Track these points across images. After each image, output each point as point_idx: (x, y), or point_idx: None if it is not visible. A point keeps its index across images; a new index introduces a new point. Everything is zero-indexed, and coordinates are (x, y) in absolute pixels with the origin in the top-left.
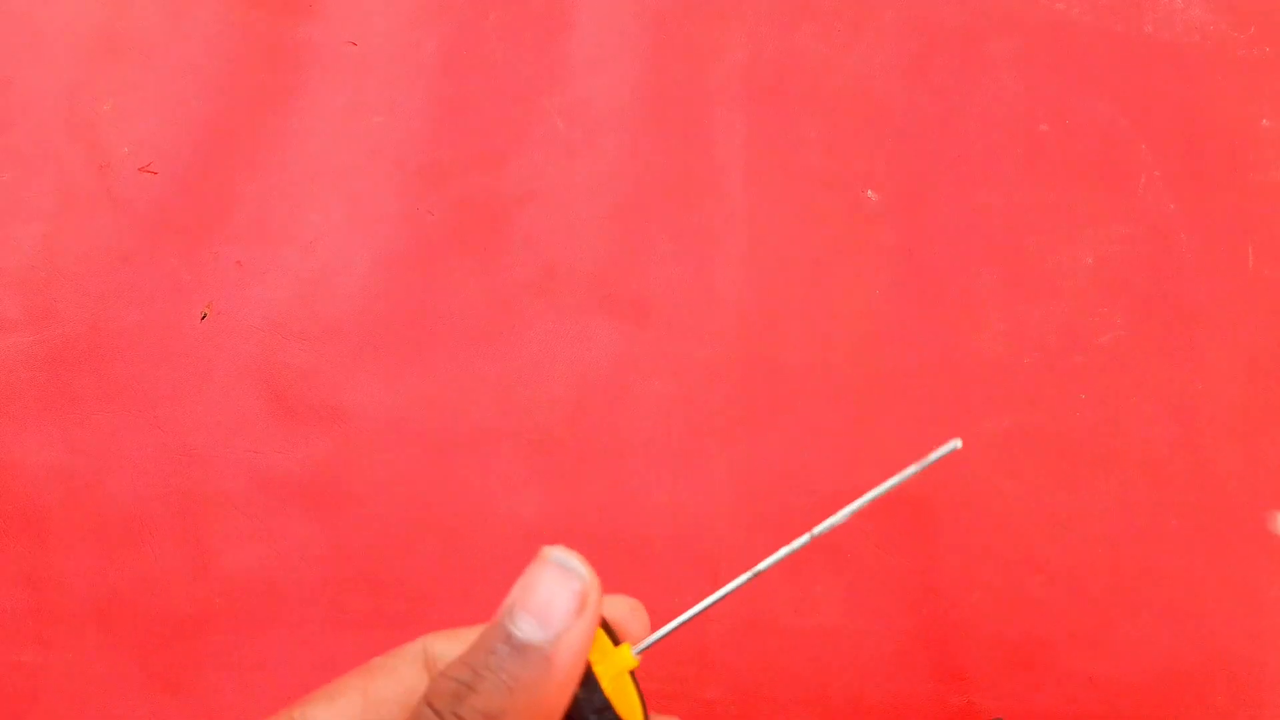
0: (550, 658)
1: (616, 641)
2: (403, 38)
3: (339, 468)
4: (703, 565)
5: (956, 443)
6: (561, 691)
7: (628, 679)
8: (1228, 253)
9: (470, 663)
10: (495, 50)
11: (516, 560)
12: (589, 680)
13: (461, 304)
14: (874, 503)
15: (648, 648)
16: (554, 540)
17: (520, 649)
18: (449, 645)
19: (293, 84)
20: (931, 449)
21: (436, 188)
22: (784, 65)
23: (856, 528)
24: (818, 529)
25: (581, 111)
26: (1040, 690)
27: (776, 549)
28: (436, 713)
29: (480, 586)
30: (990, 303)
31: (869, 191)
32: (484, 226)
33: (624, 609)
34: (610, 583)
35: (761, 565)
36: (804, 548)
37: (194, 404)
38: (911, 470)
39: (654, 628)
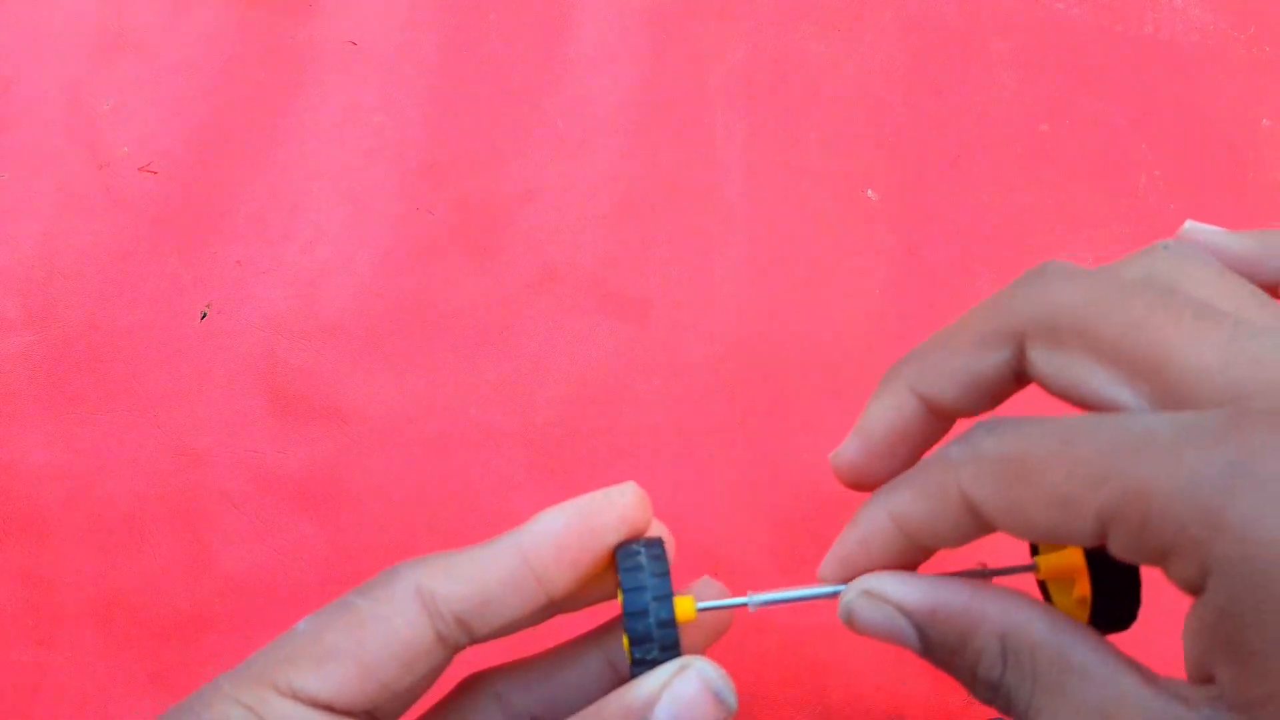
0: None
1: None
2: (403, 38)
3: (339, 467)
4: (702, 566)
5: None
6: None
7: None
8: None
9: None
10: (495, 50)
11: None
12: None
13: (461, 303)
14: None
15: (711, 609)
16: None
17: None
18: (453, 583)
19: (293, 84)
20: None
21: (436, 187)
22: (784, 65)
23: None
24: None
25: (581, 111)
26: None
27: (775, 550)
28: None
29: None
30: None
31: (869, 191)
32: (484, 226)
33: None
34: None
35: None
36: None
37: (193, 403)
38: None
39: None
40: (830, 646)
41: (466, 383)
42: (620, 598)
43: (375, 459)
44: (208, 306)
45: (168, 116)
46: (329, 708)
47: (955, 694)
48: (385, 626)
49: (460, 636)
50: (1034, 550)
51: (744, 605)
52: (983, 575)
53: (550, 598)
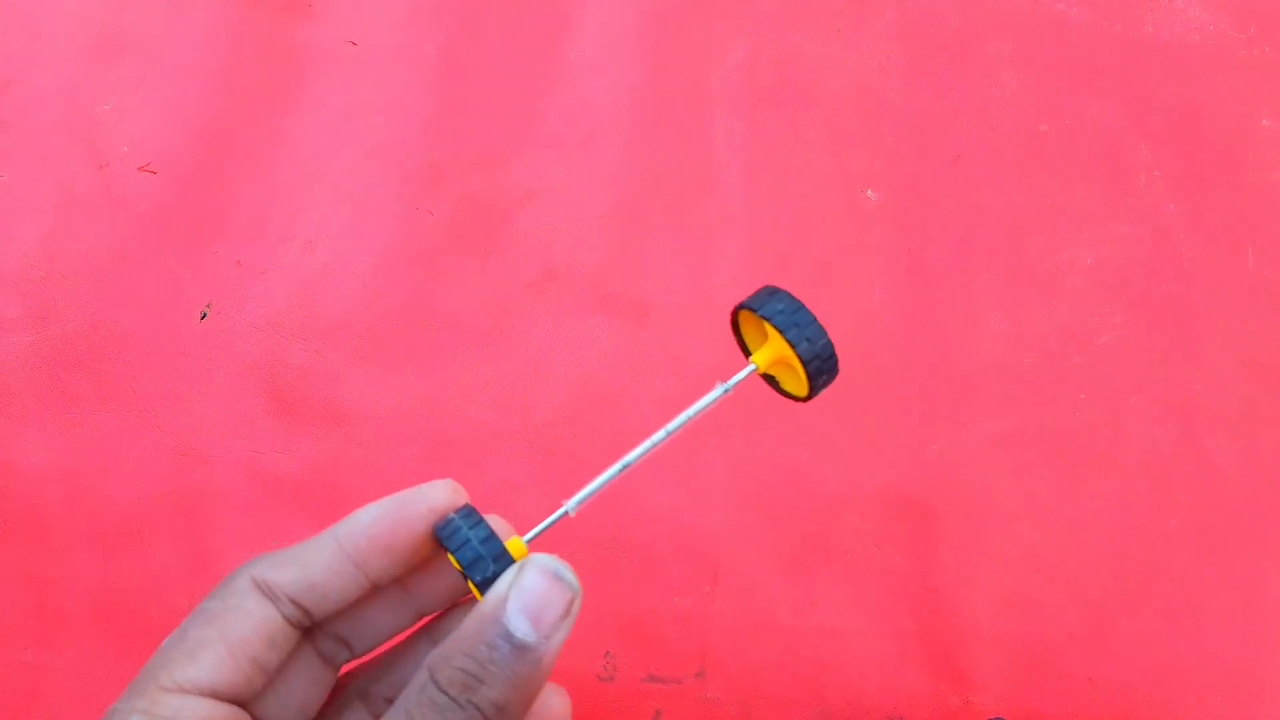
0: (542, 658)
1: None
2: (402, 38)
3: (338, 467)
4: (703, 565)
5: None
6: (544, 681)
7: None
8: (1227, 252)
9: (472, 654)
10: (495, 51)
11: None
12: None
13: (461, 304)
14: (875, 500)
15: (535, 538)
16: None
17: (520, 649)
18: (281, 572)
19: (293, 84)
20: (930, 448)
21: (436, 188)
22: (783, 65)
23: (857, 527)
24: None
25: (581, 112)
26: (1040, 690)
27: (775, 549)
28: (453, 700)
29: None
30: (990, 303)
31: (868, 191)
32: (484, 226)
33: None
34: (609, 584)
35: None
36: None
37: (193, 403)
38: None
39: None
40: (830, 646)
41: (466, 383)
42: (450, 557)
43: (375, 459)
44: (208, 306)
45: (168, 116)
46: (213, 693)
47: (955, 694)
48: (238, 613)
49: (302, 618)
50: (746, 354)
51: (565, 515)
52: (723, 390)
53: (371, 580)
